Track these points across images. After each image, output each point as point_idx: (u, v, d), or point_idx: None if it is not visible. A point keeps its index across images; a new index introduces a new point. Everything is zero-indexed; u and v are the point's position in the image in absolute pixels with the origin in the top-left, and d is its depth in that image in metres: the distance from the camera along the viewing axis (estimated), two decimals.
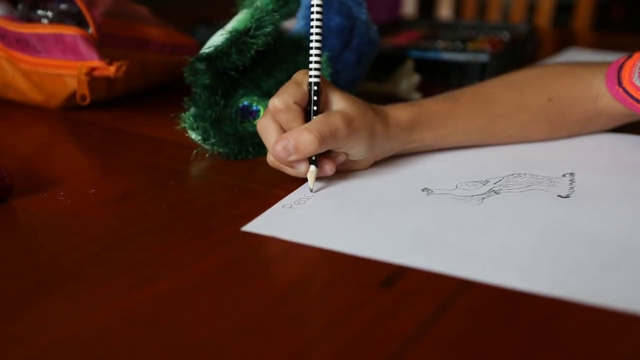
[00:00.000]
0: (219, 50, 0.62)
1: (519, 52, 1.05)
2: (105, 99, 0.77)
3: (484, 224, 0.49)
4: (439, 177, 0.58)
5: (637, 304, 0.38)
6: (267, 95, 0.66)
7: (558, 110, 0.65)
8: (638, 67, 0.62)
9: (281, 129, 0.54)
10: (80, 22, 0.75)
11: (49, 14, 0.75)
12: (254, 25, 0.62)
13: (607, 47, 1.16)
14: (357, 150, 0.56)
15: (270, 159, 0.57)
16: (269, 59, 0.67)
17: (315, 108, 0.55)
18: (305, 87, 0.55)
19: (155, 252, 0.46)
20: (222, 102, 0.64)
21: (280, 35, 0.68)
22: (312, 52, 0.55)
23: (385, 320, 0.38)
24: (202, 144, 0.62)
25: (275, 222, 0.50)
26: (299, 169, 0.54)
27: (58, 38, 0.72)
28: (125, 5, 0.79)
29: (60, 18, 0.75)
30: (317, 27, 0.56)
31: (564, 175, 0.58)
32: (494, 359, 0.35)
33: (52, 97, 0.76)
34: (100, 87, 0.74)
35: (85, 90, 0.72)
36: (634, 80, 0.61)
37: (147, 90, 0.83)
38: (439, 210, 0.51)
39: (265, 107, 0.65)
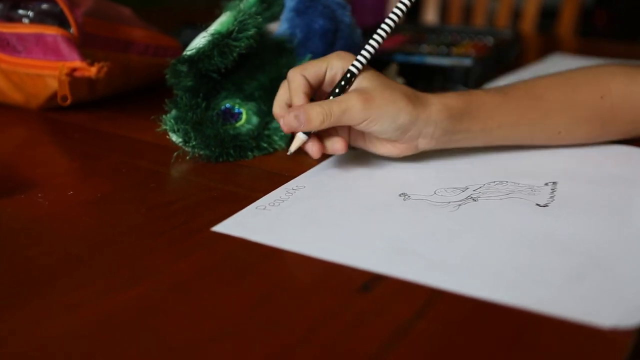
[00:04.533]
0: (200, 53, 0.62)
1: (503, 57, 1.06)
2: (86, 100, 0.77)
3: (456, 232, 0.49)
4: (418, 183, 0.58)
5: (598, 317, 0.38)
6: (249, 97, 0.66)
7: (609, 108, 0.64)
8: None
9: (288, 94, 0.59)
10: (62, 22, 0.74)
11: (30, 13, 0.74)
12: (236, 28, 0.63)
13: (591, 53, 1.17)
14: (381, 129, 0.57)
15: (276, 111, 0.60)
16: (251, 62, 0.67)
17: (337, 91, 0.58)
18: (325, 66, 0.59)
19: (133, 255, 0.46)
20: (203, 105, 0.64)
21: (263, 37, 0.68)
22: (369, 43, 0.58)
23: (362, 325, 0.38)
24: (183, 147, 0.62)
25: (246, 224, 0.50)
26: (299, 134, 0.58)
27: (39, 38, 0.72)
28: (108, 6, 0.79)
29: (41, 18, 0.74)
30: (388, 23, 0.60)
31: (546, 184, 0.58)
32: None
33: (33, 98, 0.75)
34: (81, 88, 0.74)
35: (66, 91, 0.71)
36: None
37: (130, 92, 0.83)
38: (413, 217, 0.51)
39: (247, 109, 0.66)
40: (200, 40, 0.63)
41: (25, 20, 0.74)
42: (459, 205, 0.53)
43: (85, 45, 0.74)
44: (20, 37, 0.72)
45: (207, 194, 0.56)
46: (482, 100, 0.61)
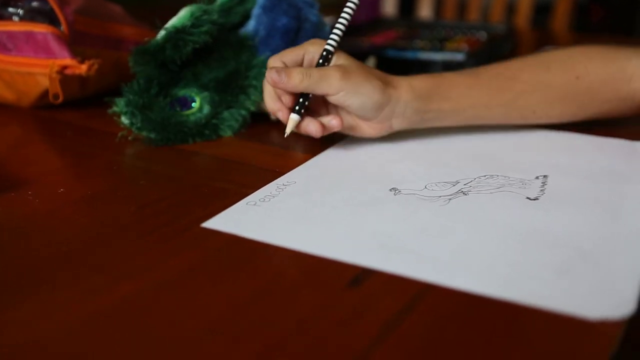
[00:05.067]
0: (154, 45, 0.67)
1: (496, 52, 1.06)
2: (78, 97, 0.77)
3: (446, 226, 0.49)
4: (409, 177, 0.58)
5: (587, 310, 0.38)
6: (204, 87, 0.70)
7: (586, 88, 0.65)
8: None
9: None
10: (52, 19, 0.74)
11: (20, 11, 0.74)
12: (190, 23, 0.67)
13: None
14: (357, 105, 0.59)
15: (268, 102, 0.63)
16: (212, 56, 0.71)
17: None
18: (302, 52, 0.61)
19: (124, 252, 0.46)
20: (153, 91, 0.67)
21: (225, 33, 0.71)
22: (337, 24, 0.62)
23: (352, 320, 0.38)
24: (129, 128, 0.66)
25: (237, 220, 0.50)
26: (280, 116, 0.61)
27: (29, 36, 0.71)
28: (99, 4, 0.79)
29: (31, 16, 0.74)
30: (350, 6, 0.62)
31: (537, 178, 0.58)
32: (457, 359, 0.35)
33: (24, 96, 0.75)
34: (72, 85, 0.74)
35: (57, 89, 0.71)
36: None
37: (121, 89, 0.83)
38: (404, 211, 0.51)
39: (201, 99, 0.70)
40: (160, 33, 0.68)
41: (15, 18, 0.74)
42: (450, 199, 0.53)
43: (76, 43, 0.73)
44: (11, 35, 0.72)
45: (197, 191, 0.56)
46: (453, 81, 0.63)
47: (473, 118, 0.64)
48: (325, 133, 0.61)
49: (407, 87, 0.61)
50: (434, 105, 0.62)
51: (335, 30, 0.61)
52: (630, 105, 0.66)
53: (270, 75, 0.59)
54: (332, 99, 0.59)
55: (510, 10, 1.60)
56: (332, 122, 0.61)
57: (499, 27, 1.16)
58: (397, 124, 0.62)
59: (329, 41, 0.61)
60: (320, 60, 0.61)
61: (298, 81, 0.58)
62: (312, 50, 0.61)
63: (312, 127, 0.60)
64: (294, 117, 0.60)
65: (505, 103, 0.64)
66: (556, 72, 0.65)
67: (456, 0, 1.64)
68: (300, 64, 0.62)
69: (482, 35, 1.09)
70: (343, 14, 0.62)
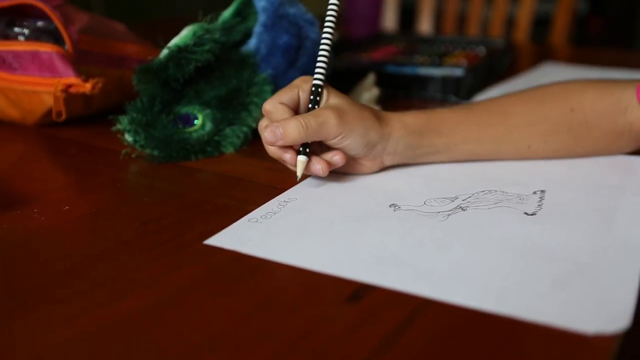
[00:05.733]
0: (157, 64, 0.68)
1: (495, 67, 1.07)
2: (82, 115, 0.78)
3: (444, 241, 0.49)
4: (408, 193, 0.59)
5: (583, 323, 0.38)
6: (207, 105, 0.71)
7: (581, 121, 0.64)
8: None
9: None
10: (57, 39, 0.75)
11: (26, 31, 0.75)
12: (192, 42, 0.68)
13: (584, 61, 1.18)
14: (352, 145, 0.59)
15: (269, 148, 0.60)
16: (214, 73, 0.72)
17: (316, 107, 0.60)
18: (296, 90, 0.61)
19: (126, 268, 0.47)
20: (156, 109, 0.68)
21: (227, 51, 0.73)
22: (319, 59, 0.61)
23: (352, 334, 0.39)
24: (133, 145, 0.67)
25: (239, 236, 0.51)
26: (285, 158, 0.59)
27: (34, 55, 0.73)
28: (102, 23, 0.80)
29: (37, 35, 0.75)
30: (327, 36, 0.62)
31: (534, 193, 0.58)
32: None
33: (29, 114, 0.76)
34: (76, 103, 0.75)
35: (61, 107, 0.72)
36: None
37: (124, 106, 0.84)
38: (403, 227, 0.52)
39: (204, 115, 0.71)
40: (163, 52, 0.69)
41: (21, 38, 0.75)
42: (448, 215, 0.54)
43: (80, 62, 0.75)
44: (16, 55, 0.73)
45: (200, 207, 0.57)
46: (444, 117, 0.63)
47: (466, 153, 0.64)
48: (330, 169, 0.60)
49: (399, 123, 0.61)
50: (426, 141, 0.62)
51: (319, 64, 0.61)
52: (628, 139, 0.65)
53: (265, 136, 0.58)
54: (328, 142, 0.59)
55: (510, 23, 1.62)
56: (336, 158, 0.60)
57: (497, 42, 1.17)
58: (389, 160, 0.62)
59: (316, 75, 0.61)
60: (312, 97, 0.60)
61: (297, 135, 0.57)
62: (305, 87, 0.61)
63: (318, 166, 0.59)
64: (302, 159, 0.58)
65: (498, 137, 0.64)
66: (550, 106, 0.65)
67: (456, 14, 1.65)
68: (297, 103, 0.61)
69: (481, 50, 1.10)
70: (322, 45, 0.61)
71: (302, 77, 0.62)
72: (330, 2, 0.61)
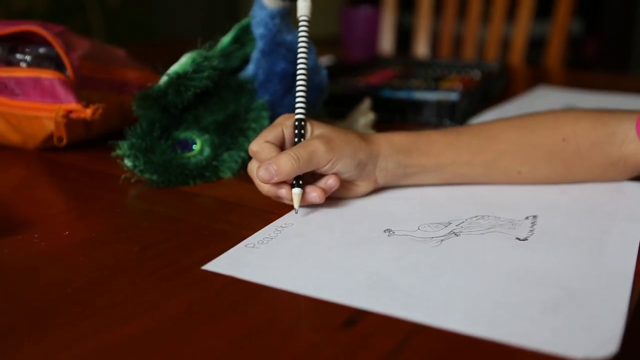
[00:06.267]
0: (156, 90, 0.69)
1: (490, 91, 1.09)
2: (82, 139, 0.79)
3: (437, 267, 0.50)
4: (403, 218, 0.60)
5: (572, 349, 0.39)
6: (205, 130, 0.73)
7: (574, 151, 0.64)
8: None
9: None
10: (58, 64, 0.77)
11: (28, 57, 0.76)
12: (191, 69, 0.69)
13: (579, 85, 1.20)
14: (343, 168, 0.60)
15: (263, 188, 0.62)
16: (212, 99, 0.73)
17: (302, 140, 0.61)
18: (280, 128, 0.62)
19: (125, 294, 0.48)
20: (155, 134, 0.70)
21: (226, 77, 0.74)
22: (297, 94, 0.63)
23: (346, 359, 0.40)
24: (132, 170, 0.68)
25: (236, 262, 0.52)
26: (281, 194, 0.60)
27: (36, 81, 0.74)
28: (103, 49, 0.82)
29: (39, 61, 0.77)
30: (302, 72, 0.63)
31: (526, 218, 0.60)
32: None
33: (30, 138, 0.77)
34: (77, 128, 0.76)
35: (62, 132, 0.74)
36: None
37: (124, 131, 0.85)
38: (397, 252, 0.53)
39: (202, 141, 0.72)
40: (163, 78, 0.70)
41: (23, 64, 0.76)
42: (442, 240, 0.55)
43: (81, 87, 0.76)
44: (18, 81, 0.75)
45: (198, 232, 0.58)
46: (431, 138, 0.65)
47: (457, 175, 0.65)
48: (327, 195, 0.61)
49: (385, 142, 0.63)
50: (415, 161, 0.63)
51: (298, 99, 0.63)
52: (622, 170, 0.66)
53: (260, 176, 0.59)
54: (320, 171, 0.60)
55: (506, 44, 1.64)
56: (330, 182, 0.61)
57: (492, 66, 1.19)
58: (382, 178, 0.64)
59: (297, 110, 0.62)
60: (296, 131, 0.62)
61: (290, 169, 0.58)
62: (288, 124, 0.62)
63: (314, 194, 0.60)
64: (297, 192, 0.59)
65: (487, 162, 0.65)
66: (541, 134, 0.65)
67: (452, 35, 1.67)
68: (282, 140, 0.62)
69: (476, 74, 1.12)
70: (299, 80, 0.63)
71: (284, 115, 0.64)
72: (299, 39, 0.63)
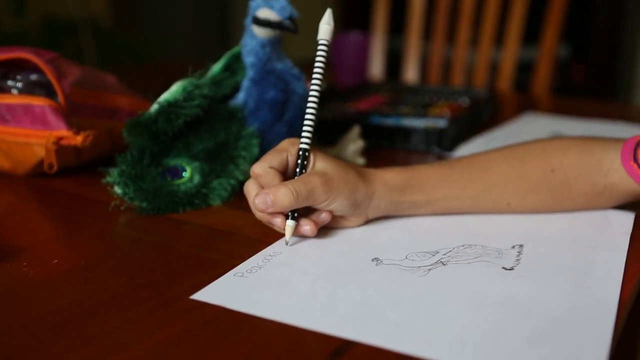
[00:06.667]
0: (147, 118, 0.70)
1: (478, 117, 1.10)
2: (73, 165, 0.79)
3: (424, 297, 0.51)
4: (391, 247, 0.60)
5: None
6: (195, 157, 0.73)
7: (562, 181, 0.65)
8: None
9: (261, 189, 0.61)
10: (50, 91, 0.77)
11: (19, 84, 0.77)
12: (182, 98, 0.70)
13: (566, 111, 1.21)
14: (338, 207, 0.61)
15: (257, 213, 0.62)
16: (203, 126, 0.74)
17: (304, 171, 0.62)
18: (285, 154, 0.62)
19: (113, 324, 0.48)
20: (146, 161, 0.70)
21: (216, 105, 0.75)
22: (305, 122, 0.62)
23: None
24: (122, 197, 0.69)
25: (225, 291, 0.52)
26: (275, 223, 0.61)
27: (27, 108, 0.74)
28: (95, 75, 0.82)
29: (30, 88, 0.77)
30: (313, 99, 0.63)
31: (513, 247, 0.60)
32: None
33: (20, 164, 0.77)
34: (68, 155, 0.76)
35: (52, 159, 0.74)
36: None
37: (115, 158, 0.85)
38: (384, 282, 0.53)
39: (192, 168, 0.73)
40: (153, 106, 0.71)
41: (15, 91, 0.77)
42: (429, 269, 0.55)
43: (72, 114, 0.76)
44: (9, 108, 0.75)
45: (187, 261, 0.58)
46: (425, 174, 0.65)
47: (446, 208, 0.66)
48: (318, 227, 0.62)
49: (380, 181, 0.63)
50: (407, 198, 0.64)
51: (305, 127, 0.62)
52: (608, 199, 0.67)
53: (257, 204, 0.59)
54: (315, 206, 0.61)
55: (494, 69, 1.66)
56: (323, 216, 0.62)
57: (480, 92, 1.20)
58: (373, 214, 0.64)
59: (303, 139, 0.62)
60: (299, 161, 0.62)
61: (287, 203, 0.58)
62: (293, 151, 0.62)
63: (306, 227, 0.61)
64: (291, 224, 0.60)
65: (478, 195, 0.66)
66: (530, 165, 0.66)
67: (441, 60, 1.69)
68: (286, 166, 0.62)
69: (465, 101, 1.13)
70: (309, 109, 0.62)
71: (290, 140, 0.64)
72: (314, 72, 0.62)
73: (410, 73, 1.70)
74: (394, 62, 1.88)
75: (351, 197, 0.61)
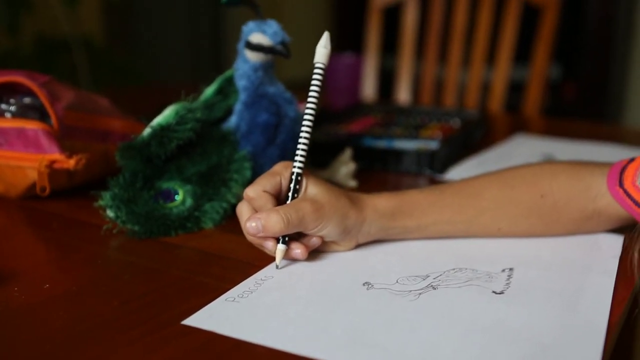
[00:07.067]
0: (140, 141, 0.71)
1: (469, 139, 1.11)
2: (65, 188, 0.79)
3: (414, 321, 0.51)
4: (382, 271, 0.60)
5: None
6: (187, 181, 0.74)
7: (551, 207, 0.66)
8: None
9: (254, 212, 0.62)
10: (43, 114, 0.78)
11: (12, 108, 0.77)
12: (174, 121, 0.71)
13: (556, 133, 1.22)
14: (329, 233, 0.62)
15: (248, 236, 0.62)
16: (195, 149, 0.74)
17: (296, 195, 0.62)
18: (279, 178, 0.63)
19: (105, 350, 0.48)
20: (138, 184, 0.71)
21: (208, 128, 0.75)
22: (299, 146, 0.62)
23: None
24: (114, 221, 0.69)
25: (216, 317, 0.52)
26: (266, 246, 0.61)
27: (20, 132, 0.75)
28: (88, 99, 0.83)
29: (23, 111, 0.77)
30: (307, 123, 0.62)
31: (503, 271, 0.61)
32: None
33: (12, 187, 0.78)
34: (60, 178, 0.77)
35: (45, 182, 0.74)
36: (637, 183, 0.62)
37: (107, 181, 0.85)
38: (375, 306, 0.54)
39: (184, 191, 0.73)
40: (146, 130, 0.71)
41: (8, 115, 0.77)
42: (420, 294, 0.56)
43: (65, 137, 0.77)
44: (2, 131, 0.75)
45: (178, 285, 0.58)
46: (415, 200, 0.66)
47: (437, 233, 0.67)
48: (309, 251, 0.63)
49: (371, 208, 0.64)
50: (398, 223, 0.65)
51: (299, 151, 0.62)
52: (596, 224, 0.68)
53: (248, 230, 0.60)
54: (306, 232, 0.62)
55: (486, 89, 1.67)
56: (313, 240, 0.62)
57: (472, 114, 1.21)
58: (363, 239, 0.65)
59: (296, 164, 0.62)
60: (292, 185, 0.62)
61: (278, 229, 0.59)
62: (286, 174, 0.63)
63: (297, 251, 0.61)
64: (281, 248, 0.61)
65: (469, 220, 0.66)
66: (520, 190, 0.67)
67: (433, 80, 1.70)
68: (279, 189, 0.63)
69: (456, 122, 1.14)
70: (303, 134, 0.63)
71: (283, 163, 0.64)
72: (309, 96, 0.62)
73: (403, 93, 1.71)
74: (387, 81, 1.89)
75: (341, 224, 0.62)
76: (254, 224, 0.60)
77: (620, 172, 0.64)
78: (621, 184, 0.63)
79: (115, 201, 0.69)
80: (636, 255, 0.58)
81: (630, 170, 0.64)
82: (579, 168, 0.68)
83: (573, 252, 0.65)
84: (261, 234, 0.60)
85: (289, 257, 0.62)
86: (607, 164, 0.67)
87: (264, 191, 0.62)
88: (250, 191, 0.62)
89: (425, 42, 1.69)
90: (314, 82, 0.63)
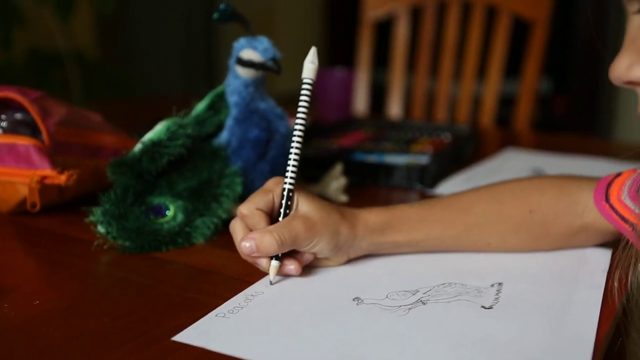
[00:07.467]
0: (131, 157, 0.71)
1: (460, 153, 1.11)
2: (56, 203, 0.80)
3: (404, 336, 0.51)
4: (372, 286, 0.61)
5: None
6: (178, 196, 0.74)
7: (540, 222, 0.67)
8: (628, 186, 0.63)
9: (247, 229, 0.63)
10: (34, 130, 0.78)
11: (4, 124, 0.77)
12: (165, 137, 0.71)
13: (546, 147, 1.23)
14: (321, 250, 0.62)
15: (242, 254, 0.63)
16: (186, 165, 0.75)
17: (288, 211, 0.63)
18: (271, 195, 0.63)
19: None
20: (129, 200, 0.71)
21: (199, 144, 0.76)
22: (290, 162, 0.63)
23: None
24: (105, 237, 0.69)
25: (206, 333, 0.52)
26: (260, 264, 0.62)
27: (11, 147, 0.75)
28: (80, 114, 0.83)
29: (15, 127, 0.78)
30: (297, 139, 0.63)
31: (492, 285, 0.61)
32: None
33: (3, 202, 0.78)
34: (51, 193, 0.77)
35: (35, 198, 0.74)
36: (622, 198, 0.63)
37: (98, 197, 0.86)
38: (364, 322, 0.54)
39: (175, 207, 0.73)
40: (137, 145, 0.72)
41: None
42: (409, 309, 0.56)
43: (57, 152, 0.77)
44: None
45: (169, 302, 0.58)
46: (405, 215, 0.66)
47: (427, 247, 0.67)
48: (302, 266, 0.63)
49: (362, 223, 0.64)
50: (388, 238, 0.65)
51: (290, 167, 0.63)
52: (584, 239, 0.68)
53: (242, 250, 0.61)
54: (299, 249, 0.62)
55: (477, 103, 1.68)
56: (306, 256, 0.63)
57: (462, 128, 1.22)
58: (354, 254, 0.65)
59: (287, 179, 0.62)
60: (285, 202, 0.62)
61: (272, 250, 0.60)
62: (278, 191, 0.63)
63: (291, 267, 0.62)
64: (275, 265, 0.61)
65: (458, 235, 0.67)
66: (509, 205, 0.67)
67: (424, 94, 1.71)
68: (272, 206, 0.63)
69: (447, 137, 1.15)
70: (293, 149, 0.63)
71: (275, 179, 0.64)
72: (298, 112, 0.63)
73: (394, 107, 1.72)
74: (379, 95, 1.90)
75: (333, 241, 0.62)
76: (247, 245, 0.60)
77: (606, 187, 0.65)
78: (607, 199, 0.64)
79: (106, 217, 0.69)
80: (616, 284, 0.59)
81: (616, 185, 0.65)
82: (567, 183, 0.68)
83: (561, 266, 0.66)
84: (254, 254, 0.61)
85: (282, 273, 0.63)
86: (595, 178, 0.68)
87: (257, 209, 0.62)
88: (243, 209, 0.62)
89: (416, 56, 1.70)
90: (302, 97, 0.63)
